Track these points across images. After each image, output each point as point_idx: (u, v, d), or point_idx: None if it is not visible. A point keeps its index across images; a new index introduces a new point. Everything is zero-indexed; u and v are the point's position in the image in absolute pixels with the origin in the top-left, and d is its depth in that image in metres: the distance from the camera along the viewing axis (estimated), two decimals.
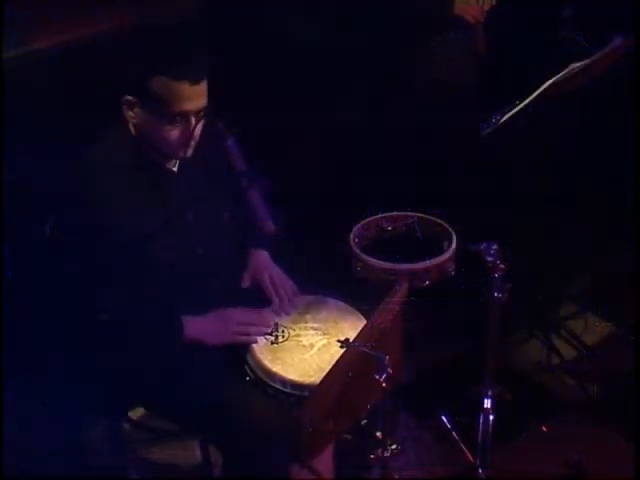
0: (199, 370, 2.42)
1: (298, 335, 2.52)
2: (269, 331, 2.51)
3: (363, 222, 2.63)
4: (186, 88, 2.27)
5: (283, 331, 2.52)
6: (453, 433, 3.00)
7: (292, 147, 3.54)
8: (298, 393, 2.35)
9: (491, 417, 2.78)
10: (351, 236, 2.57)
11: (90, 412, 2.78)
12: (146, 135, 2.36)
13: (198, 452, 2.76)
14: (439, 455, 3.02)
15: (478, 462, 2.84)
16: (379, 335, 2.18)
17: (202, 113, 2.33)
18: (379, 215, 2.65)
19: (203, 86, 2.31)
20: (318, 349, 2.47)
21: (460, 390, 2.98)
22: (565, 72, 2.84)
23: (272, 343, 2.48)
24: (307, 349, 2.47)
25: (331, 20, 3.44)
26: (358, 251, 2.52)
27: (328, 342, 2.48)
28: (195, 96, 2.30)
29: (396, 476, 2.48)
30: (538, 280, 3.57)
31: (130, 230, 2.33)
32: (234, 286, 2.66)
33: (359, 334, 2.20)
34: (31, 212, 2.64)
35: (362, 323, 2.48)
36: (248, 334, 2.48)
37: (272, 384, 2.38)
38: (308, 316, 2.58)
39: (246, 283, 2.69)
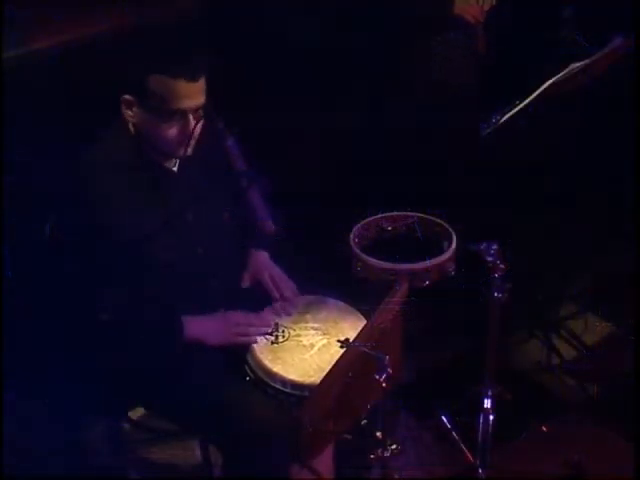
0: (199, 370, 2.42)
1: (298, 335, 2.52)
2: (269, 331, 2.51)
3: (363, 222, 2.63)
4: (183, 85, 2.27)
5: (283, 331, 2.52)
6: (453, 433, 3.00)
7: (292, 147, 3.53)
8: (298, 393, 2.35)
9: (491, 417, 2.78)
10: (351, 236, 2.57)
11: (90, 412, 2.78)
12: (145, 134, 2.36)
13: (198, 452, 2.76)
14: (439, 455, 3.02)
15: (478, 462, 2.84)
16: (379, 335, 2.18)
17: (200, 111, 2.33)
18: (379, 215, 2.65)
19: (201, 84, 2.31)
20: (318, 349, 2.47)
21: (460, 390, 2.97)
22: (565, 72, 2.84)
23: (272, 343, 2.48)
24: (307, 349, 2.47)
25: (331, 20, 3.43)
26: (358, 251, 2.52)
27: (328, 342, 2.48)
28: (192, 94, 2.30)
29: (396, 476, 2.48)
30: (538, 280, 3.56)
31: (130, 230, 2.33)
32: (234, 286, 2.66)
33: (359, 334, 2.20)
34: (31, 212, 2.63)
35: (362, 323, 2.48)
36: (248, 334, 2.48)
37: (272, 384, 2.38)
38: (308, 316, 2.58)
39: (246, 283, 2.70)
